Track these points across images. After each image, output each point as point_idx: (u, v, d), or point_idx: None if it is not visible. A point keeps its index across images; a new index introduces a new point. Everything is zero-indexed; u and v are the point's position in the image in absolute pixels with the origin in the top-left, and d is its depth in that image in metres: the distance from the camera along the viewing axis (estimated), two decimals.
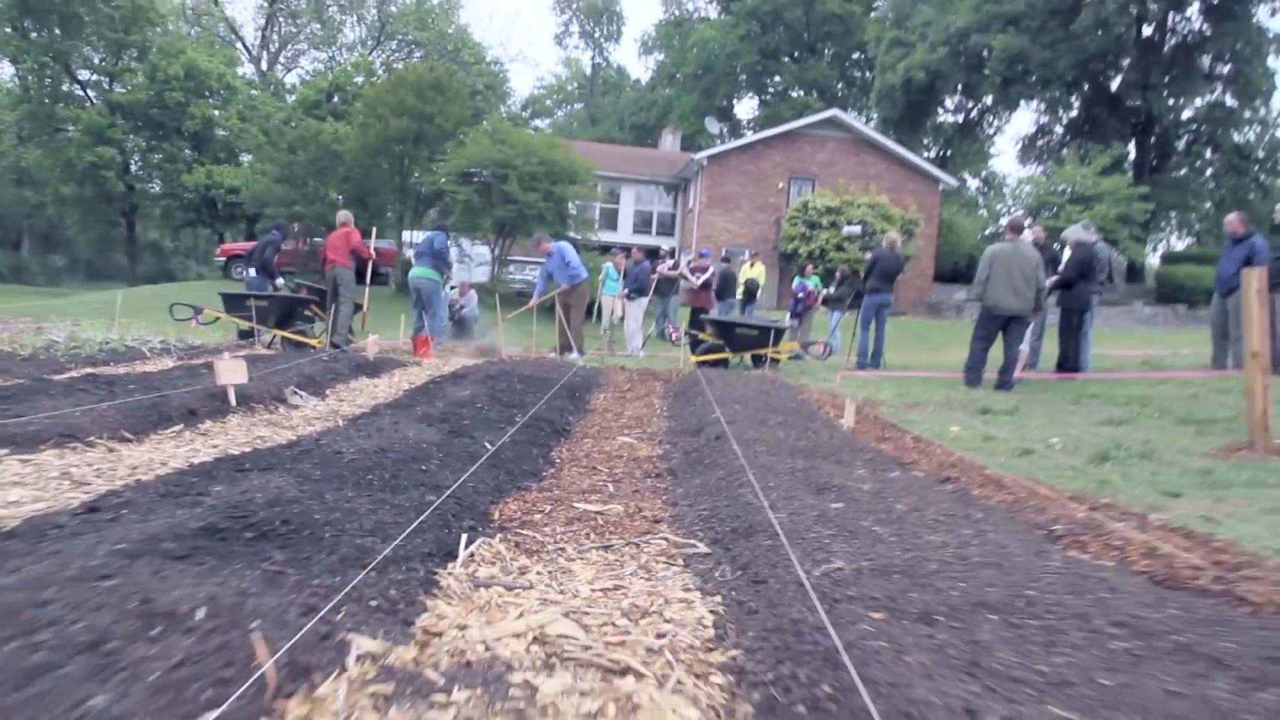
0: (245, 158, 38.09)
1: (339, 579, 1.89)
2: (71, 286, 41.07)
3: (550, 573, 2.32)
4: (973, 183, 48.81)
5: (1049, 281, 10.04)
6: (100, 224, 38.92)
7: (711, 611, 2.01)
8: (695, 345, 10.96)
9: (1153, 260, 35.33)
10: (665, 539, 2.72)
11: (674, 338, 12.86)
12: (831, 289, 14.63)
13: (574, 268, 11.22)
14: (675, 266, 15.71)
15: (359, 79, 37.69)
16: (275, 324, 9.90)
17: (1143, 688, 1.42)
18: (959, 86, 33.93)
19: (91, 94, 37.89)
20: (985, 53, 30.24)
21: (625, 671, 1.65)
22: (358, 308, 10.42)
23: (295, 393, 5.75)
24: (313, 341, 10.14)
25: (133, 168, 37.84)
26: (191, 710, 1.21)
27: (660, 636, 1.85)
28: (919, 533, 2.54)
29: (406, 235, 23.58)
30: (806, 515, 2.72)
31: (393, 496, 2.84)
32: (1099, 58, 30.16)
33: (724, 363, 10.43)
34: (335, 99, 37.31)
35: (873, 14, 42.94)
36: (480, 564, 2.33)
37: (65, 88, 37.26)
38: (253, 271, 10.88)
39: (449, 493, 2.91)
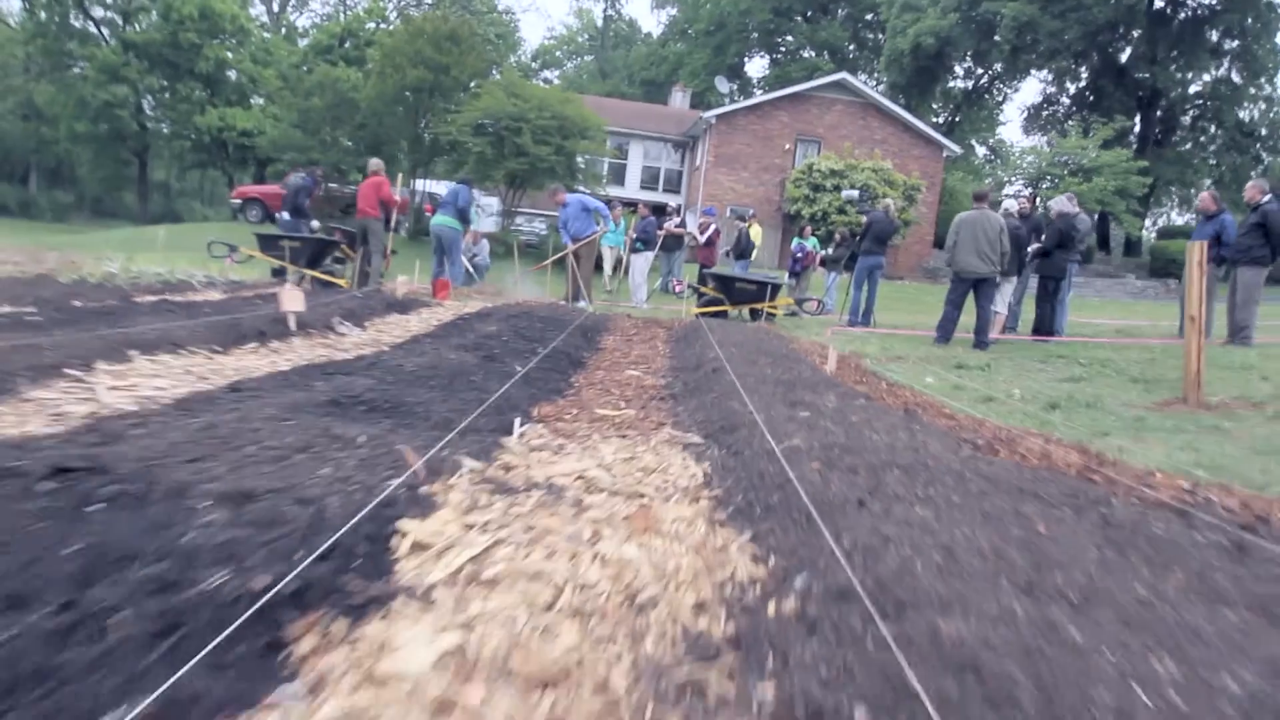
0: (256, 100, 38.43)
1: (438, 434, 2.67)
2: (78, 223, 41.59)
3: (583, 448, 3.09)
4: (980, 150, 49.11)
5: (1032, 248, 10.77)
6: (113, 162, 39.37)
7: (703, 470, 2.79)
8: (698, 298, 11.70)
9: (1152, 235, 35.88)
10: (669, 433, 3.50)
11: (677, 290, 13.57)
12: (829, 250, 15.32)
13: (602, 211, 11.91)
14: (682, 224, 16.37)
15: (371, 24, 37.91)
16: (306, 264, 10.63)
17: (979, 504, 2.19)
18: (968, 54, 34.16)
19: (105, 31, 38.08)
20: (996, 19, 30.47)
21: (641, 496, 2.43)
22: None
23: (341, 322, 6.51)
24: (341, 281, 10.87)
25: (146, 108, 38.19)
26: (383, 478, 1.99)
27: (665, 482, 2.63)
28: (864, 432, 3.31)
29: (420, 184, 24.12)
30: (779, 418, 3.50)
31: (455, 395, 3.61)
32: (1108, 29, 30.41)
33: (724, 315, 11.17)
34: (347, 44, 37.41)
35: None
36: (530, 439, 3.11)
37: (79, 24, 37.46)
38: (287, 214, 11.54)
39: (498, 394, 3.69)
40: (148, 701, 0.96)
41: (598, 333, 8.03)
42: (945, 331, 9.71)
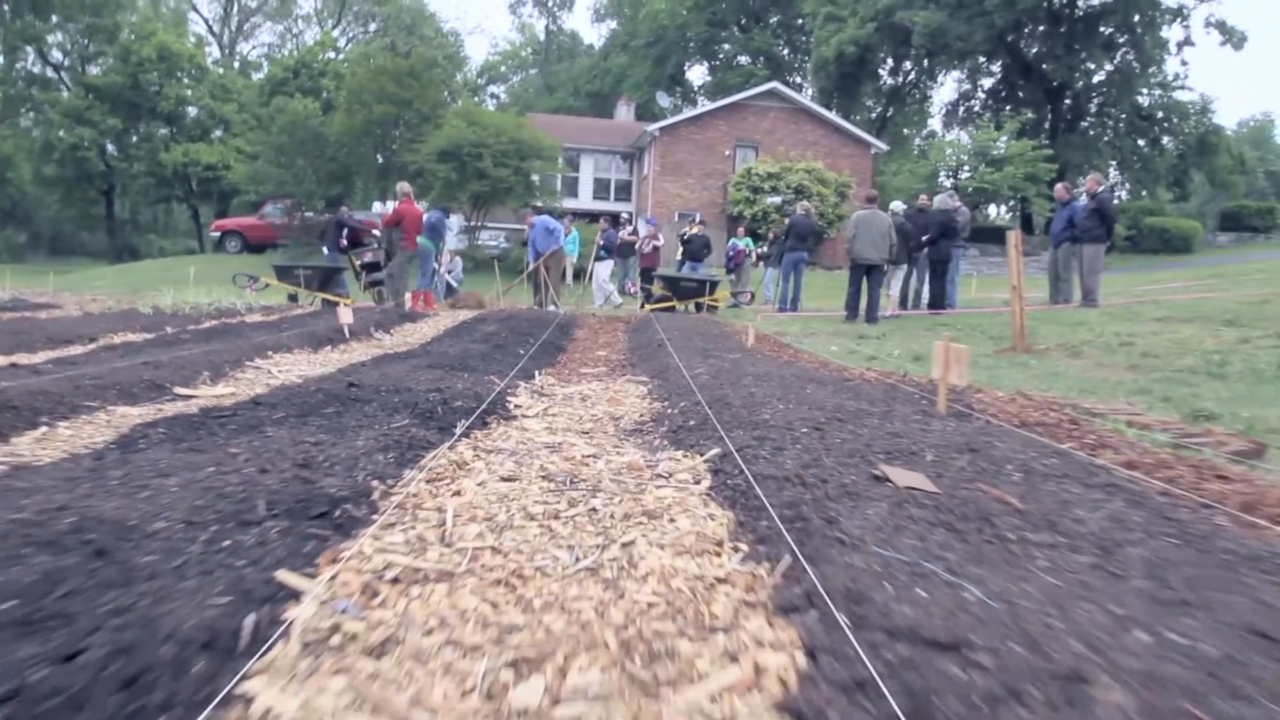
0: (217, 135, 39.92)
1: (499, 377, 4.78)
2: (35, 262, 42.67)
3: (577, 385, 5.21)
4: (917, 141, 52.12)
5: (924, 239, 13.09)
6: (80, 202, 40.59)
7: (648, 394, 4.93)
8: (649, 297, 13.86)
9: None
10: (628, 379, 5.65)
11: (632, 291, 15.73)
12: (764, 248, 17.60)
13: (555, 235, 14.01)
14: (635, 233, 18.51)
15: (325, 55, 39.68)
16: (318, 288, 12.60)
17: (783, 384, 4.36)
18: (888, 59, 36.89)
19: (65, 77, 39.34)
20: (910, 27, 33.16)
21: (614, 400, 4.57)
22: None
23: (377, 330, 8.56)
24: (346, 302, 12.83)
25: (109, 148, 39.47)
26: (490, 387, 4.10)
27: (626, 394, 4.76)
28: (746, 368, 5.47)
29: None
30: (696, 366, 5.65)
31: (493, 363, 5.71)
32: (1013, 29, 33.26)
33: (672, 309, 13.35)
34: (301, 75, 38.99)
35: None
36: (546, 381, 5.23)
37: (38, 70, 38.74)
38: (326, 250, 13.39)
39: (521, 363, 5.80)
40: (468, 421, 3.07)
41: (571, 329, 10.14)
42: (851, 310, 11.98)
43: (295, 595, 1.39)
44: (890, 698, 1.01)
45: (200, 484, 1.90)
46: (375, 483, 2.05)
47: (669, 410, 3.72)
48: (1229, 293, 13.44)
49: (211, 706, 1.03)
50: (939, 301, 13.20)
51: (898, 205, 12.86)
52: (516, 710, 1.12)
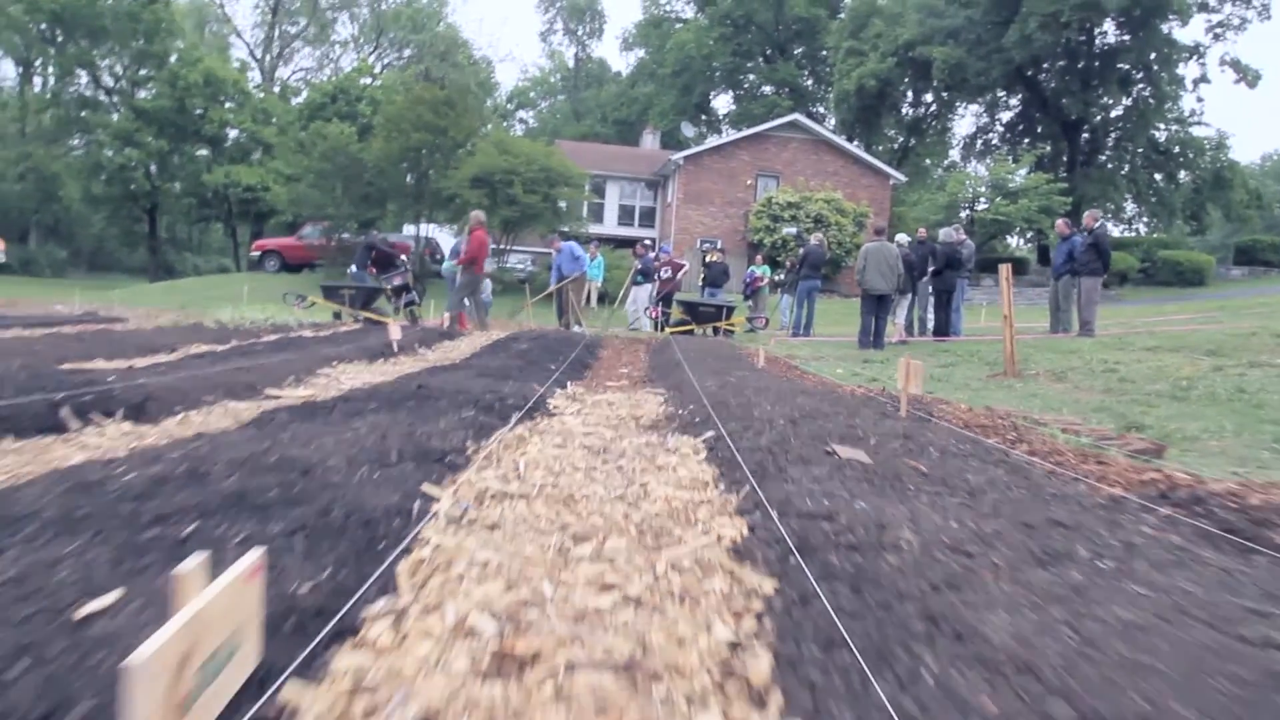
0: (255, 157, 41.53)
1: (538, 384, 5.62)
2: (76, 277, 44.38)
3: (603, 394, 6.03)
4: (938, 171, 52.95)
5: (931, 269, 13.86)
6: (125, 220, 42.29)
7: (664, 401, 5.74)
8: (668, 320, 14.72)
9: None
10: (648, 391, 6.46)
11: (653, 315, 16.59)
12: (781, 276, 18.43)
13: (580, 261, 14.94)
14: (657, 259, 19.43)
15: (364, 81, 41.25)
16: (361, 307, 13.56)
17: (777, 395, 5.16)
18: (908, 93, 37.83)
19: (115, 100, 41.16)
20: (930, 61, 34.11)
21: (635, 405, 5.38)
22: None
23: (421, 346, 9.45)
24: (389, 320, 13.77)
25: (154, 169, 41.19)
26: (533, 391, 4.93)
27: (645, 402, 5.57)
28: (751, 383, 6.27)
29: (424, 229, 27.21)
30: (706, 381, 6.46)
31: (530, 375, 6.55)
32: (1031, 65, 34.09)
33: (690, 333, 14.18)
34: (339, 100, 40.51)
35: (837, 19, 46.64)
36: (576, 391, 6.05)
37: (90, 94, 40.60)
38: (354, 268, 14.37)
39: (554, 376, 6.64)
40: (520, 413, 3.90)
41: (596, 349, 10.99)
42: (865, 336, 12.74)
43: (435, 499, 2.21)
44: (789, 541, 1.80)
45: (346, 442, 2.73)
46: (469, 443, 2.89)
47: (680, 412, 4.54)
48: (1224, 325, 14.07)
49: (409, 539, 1.85)
50: (943, 329, 13.93)
51: (902, 238, 13.65)
52: (576, 558, 1.93)
